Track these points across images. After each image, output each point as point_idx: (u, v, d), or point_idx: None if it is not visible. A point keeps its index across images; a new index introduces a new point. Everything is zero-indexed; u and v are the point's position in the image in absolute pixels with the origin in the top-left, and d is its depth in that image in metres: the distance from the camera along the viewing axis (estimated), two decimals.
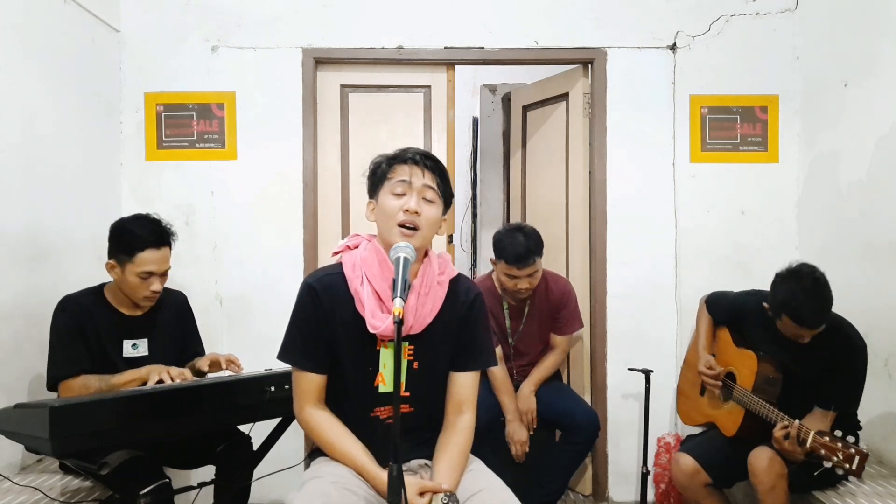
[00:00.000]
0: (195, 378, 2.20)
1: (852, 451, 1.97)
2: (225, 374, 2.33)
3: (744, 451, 2.33)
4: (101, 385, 2.13)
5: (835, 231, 2.95)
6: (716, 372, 2.58)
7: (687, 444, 2.60)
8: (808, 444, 2.07)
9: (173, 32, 3.21)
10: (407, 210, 1.65)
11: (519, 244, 2.77)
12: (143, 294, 2.26)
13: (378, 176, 1.73)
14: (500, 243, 2.85)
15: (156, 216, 2.31)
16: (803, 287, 2.17)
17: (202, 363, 2.36)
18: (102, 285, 2.36)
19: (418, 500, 1.57)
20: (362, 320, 1.67)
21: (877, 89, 2.68)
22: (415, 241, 1.64)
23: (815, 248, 3.04)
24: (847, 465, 1.96)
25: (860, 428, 2.45)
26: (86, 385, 2.13)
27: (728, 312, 2.69)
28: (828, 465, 2.02)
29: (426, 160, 1.70)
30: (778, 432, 2.17)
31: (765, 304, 2.35)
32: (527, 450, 2.90)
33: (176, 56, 3.22)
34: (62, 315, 2.23)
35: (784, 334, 2.30)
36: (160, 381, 2.09)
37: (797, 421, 2.16)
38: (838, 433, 2.04)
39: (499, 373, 2.90)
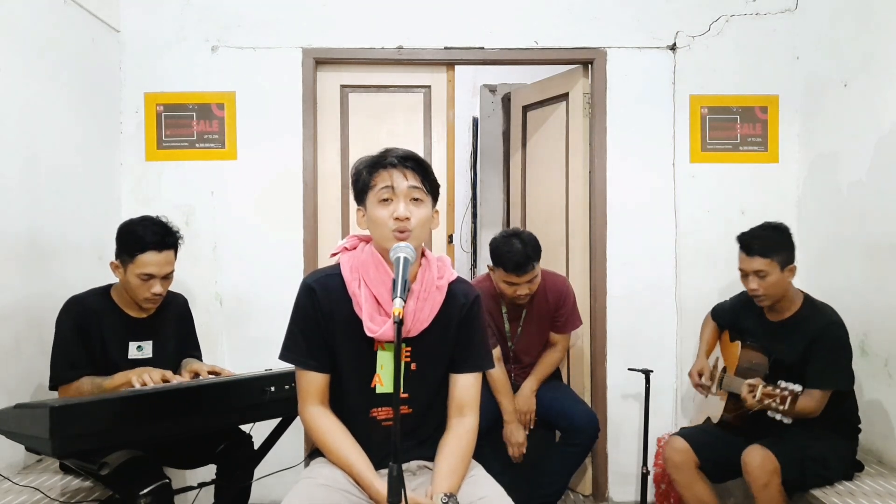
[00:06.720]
0: (179, 379, 2.17)
1: (787, 392, 2.15)
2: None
3: (736, 444, 2.37)
4: (94, 390, 2.12)
5: (835, 231, 2.95)
6: (699, 381, 2.70)
7: (682, 430, 2.66)
8: (757, 396, 2.21)
9: (173, 32, 3.21)
10: (397, 218, 1.64)
11: (517, 251, 2.73)
12: (144, 295, 2.25)
13: (361, 185, 1.71)
14: (497, 251, 2.81)
15: (164, 219, 2.30)
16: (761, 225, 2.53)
17: (185, 373, 2.27)
18: (109, 286, 2.36)
19: None
20: (360, 321, 1.67)
21: (877, 89, 2.68)
22: (411, 243, 1.63)
23: (815, 248, 3.03)
24: (782, 407, 2.14)
25: (860, 431, 2.46)
26: (79, 391, 2.14)
27: (728, 313, 2.80)
28: (771, 414, 2.18)
29: (406, 161, 1.67)
30: (743, 390, 2.30)
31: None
32: (524, 451, 2.90)
33: (176, 56, 3.22)
34: (66, 317, 2.23)
35: (752, 296, 2.48)
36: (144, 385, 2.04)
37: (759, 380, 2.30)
38: (782, 383, 2.19)
39: (497, 374, 2.88)
